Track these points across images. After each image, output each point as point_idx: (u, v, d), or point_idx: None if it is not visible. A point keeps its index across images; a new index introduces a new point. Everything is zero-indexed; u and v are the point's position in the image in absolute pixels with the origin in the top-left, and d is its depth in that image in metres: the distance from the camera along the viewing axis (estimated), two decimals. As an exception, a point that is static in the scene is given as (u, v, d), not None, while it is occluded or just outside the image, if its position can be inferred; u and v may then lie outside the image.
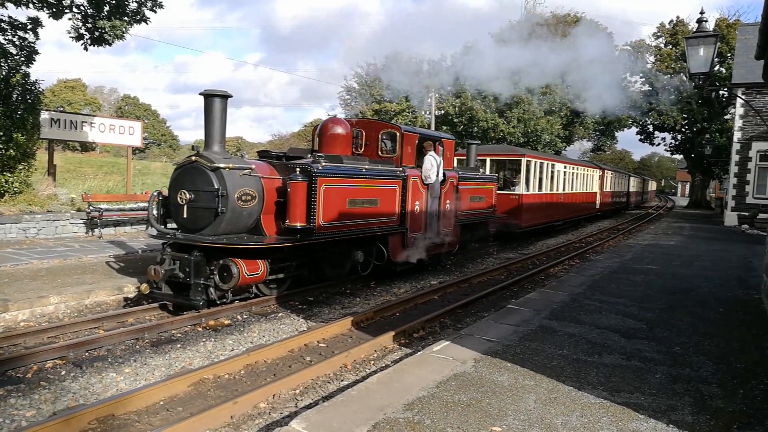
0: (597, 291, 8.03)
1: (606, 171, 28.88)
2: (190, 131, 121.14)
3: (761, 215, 20.70)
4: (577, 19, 37.96)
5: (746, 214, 21.36)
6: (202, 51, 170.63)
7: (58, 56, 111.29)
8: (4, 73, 11.64)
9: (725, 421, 3.85)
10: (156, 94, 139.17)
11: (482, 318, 7.08)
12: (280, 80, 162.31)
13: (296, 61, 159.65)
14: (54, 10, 11.52)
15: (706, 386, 4.47)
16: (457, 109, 31.27)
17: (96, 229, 12.57)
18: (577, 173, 22.84)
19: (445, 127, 31.46)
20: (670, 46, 38.52)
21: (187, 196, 7.33)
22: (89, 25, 12.07)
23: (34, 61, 12.29)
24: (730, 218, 22.51)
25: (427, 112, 34.19)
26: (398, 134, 9.79)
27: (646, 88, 40.09)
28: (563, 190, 20.69)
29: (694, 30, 9.43)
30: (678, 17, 40.05)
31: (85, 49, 12.32)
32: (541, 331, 5.83)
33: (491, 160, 17.21)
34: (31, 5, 11.29)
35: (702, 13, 9.31)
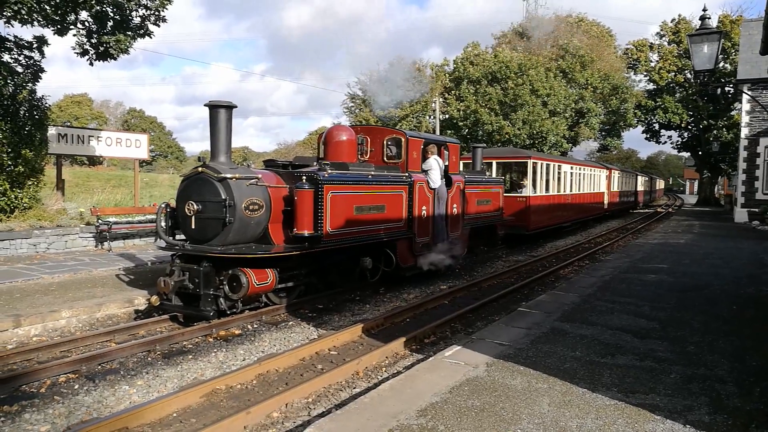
0: (608, 291, 7.97)
1: (613, 171, 28.75)
2: (197, 143, 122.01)
3: None
4: (580, 20, 37.95)
5: (756, 210, 21.19)
6: (209, 63, 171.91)
7: (68, 71, 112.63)
8: (11, 90, 11.77)
9: (743, 420, 3.81)
10: (163, 107, 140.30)
11: (493, 322, 7.06)
12: (287, 90, 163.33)
13: (303, 70, 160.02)
14: (59, 26, 11.66)
15: (721, 385, 4.43)
16: (461, 113, 31.29)
17: (105, 243, 12.64)
18: (583, 174, 22.75)
19: (450, 131, 31.46)
20: (674, 44, 38.43)
21: (195, 207, 7.35)
22: (94, 41, 12.22)
23: (41, 78, 12.47)
24: (740, 215, 22.34)
25: (432, 117, 34.20)
26: (403, 140, 9.79)
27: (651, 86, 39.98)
28: (570, 191, 20.60)
29: (697, 27, 9.39)
30: (680, 15, 39.93)
31: (91, 64, 12.52)
32: (553, 334, 5.79)
33: (497, 162, 17.15)
34: (36, 23, 11.44)
35: (705, 10, 9.27)
